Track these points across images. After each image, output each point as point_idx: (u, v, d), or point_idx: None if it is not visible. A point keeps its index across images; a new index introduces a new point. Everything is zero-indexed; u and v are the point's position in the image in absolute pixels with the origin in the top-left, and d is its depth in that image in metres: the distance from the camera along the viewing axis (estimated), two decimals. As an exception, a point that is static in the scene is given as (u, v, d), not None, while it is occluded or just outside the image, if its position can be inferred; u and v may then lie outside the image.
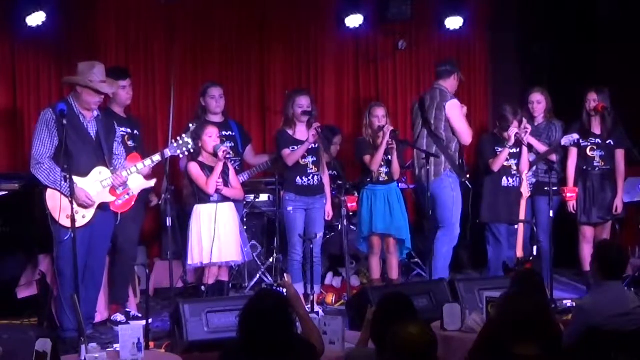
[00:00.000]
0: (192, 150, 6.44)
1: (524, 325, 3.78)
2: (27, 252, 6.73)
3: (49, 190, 5.91)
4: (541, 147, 7.45)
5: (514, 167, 7.29)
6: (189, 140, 6.35)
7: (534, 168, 7.54)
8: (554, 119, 7.70)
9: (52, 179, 5.88)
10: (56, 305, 6.19)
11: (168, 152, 6.32)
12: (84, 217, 5.99)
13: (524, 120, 7.34)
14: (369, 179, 7.20)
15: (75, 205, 5.83)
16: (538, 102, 7.64)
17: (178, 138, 6.39)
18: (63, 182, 5.84)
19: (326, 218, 7.23)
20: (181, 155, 6.50)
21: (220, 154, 6.59)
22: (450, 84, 7.67)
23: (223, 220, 6.66)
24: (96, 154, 6.10)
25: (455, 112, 7.48)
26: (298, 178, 7.06)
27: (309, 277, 7.02)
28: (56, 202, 5.89)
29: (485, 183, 7.40)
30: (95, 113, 6.14)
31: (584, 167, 7.44)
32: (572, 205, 7.37)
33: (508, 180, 7.31)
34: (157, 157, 6.27)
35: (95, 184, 6.05)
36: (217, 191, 6.66)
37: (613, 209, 7.43)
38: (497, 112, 7.57)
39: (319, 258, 7.19)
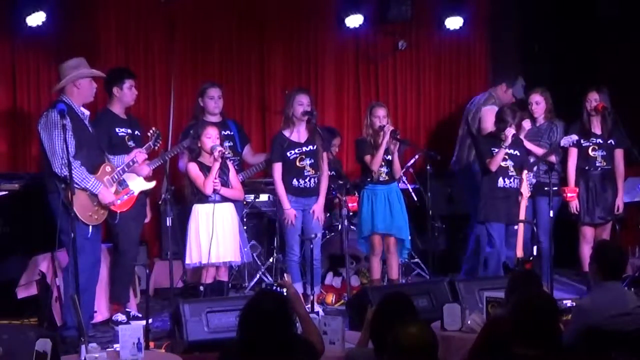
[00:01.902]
0: (160, 142, 6.58)
1: (535, 324, 3.78)
2: (27, 252, 6.73)
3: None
4: (538, 151, 7.45)
5: (511, 168, 7.27)
6: (159, 132, 6.58)
7: (535, 168, 7.54)
8: (556, 120, 7.70)
9: (80, 177, 5.95)
10: (60, 304, 6.22)
11: (151, 146, 6.49)
12: (103, 214, 6.16)
13: (527, 121, 7.33)
14: (369, 179, 7.20)
15: (96, 205, 6.06)
16: (537, 102, 7.65)
17: (151, 131, 6.54)
18: (93, 182, 6.00)
19: (314, 219, 7.14)
20: (155, 148, 6.55)
21: (215, 153, 6.59)
22: (500, 92, 8.18)
23: (221, 220, 6.66)
24: (99, 151, 6.19)
25: (486, 117, 7.97)
26: (294, 180, 7.05)
27: (308, 278, 7.03)
28: (82, 201, 5.96)
29: (482, 183, 7.39)
30: (88, 113, 6.21)
31: (586, 167, 7.44)
32: (574, 205, 7.37)
33: (504, 181, 7.28)
34: (142, 155, 6.41)
35: (108, 182, 6.16)
36: (215, 191, 6.65)
37: (615, 209, 7.43)
38: (496, 113, 7.57)
39: (318, 259, 7.18)
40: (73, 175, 5.84)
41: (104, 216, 6.20)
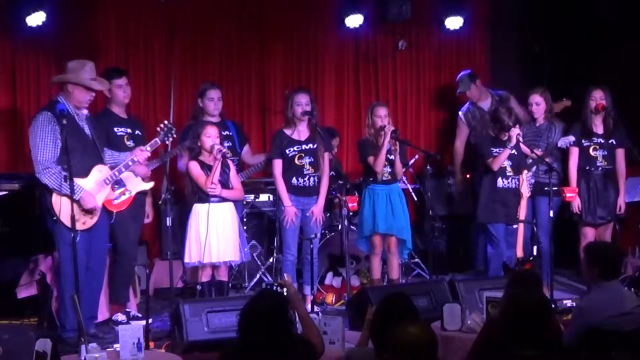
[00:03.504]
0: (175, 136, 6.53)
1: (525, 324, 3.78)
2: (27, 252, 6.73)
3: (55, 194, 5.92)
4: (533, 155, 7.46)
5: (509, 169, 7.28)
6: (171, 125, 6.46)
7: (534, 169, 7.55)
8: (555, 120, 7.71)
9: (59, 182, 5.90)
10: (57, 305, 6.20)
11: (158, 141, 6.40)
12: (91, 218, 6.05)
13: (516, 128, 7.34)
14: (371, 179, 7.19)
15: (82, 210, 5.94)
16: (537, 103, 7.66)
17: (162, 125, 6.46)
18: (74, 187, 5.89)
19: (312, 219, 7.11)
20: (167, 142, 6.53)
21: (215, 152, 6.59)
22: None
23: (220, 220, 6.66)
24: (93, 152, 6.15)
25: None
26: (294, 179, 7.05)
27: (305, 278, 7.04)
28: (65, 206, 5.90)
29: (482, 184, 7.40)
30: (86, 112, 6.17)
31: (587, 167, 7.44)
32: (576, 205, 7.36)
33: (503, 182, 7.29)
34: (148, 148, 6.34)
35: (98, 183, 6.09)
36: (214, 194, 6.63)
37: (616, 209, 7.43)
38: (492, 113, 7.60)
39: (316, 258, 7.17)
40: (50, 182, 5.89)
41: (93, 221, 6.08)
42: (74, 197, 5.86)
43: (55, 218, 5.90)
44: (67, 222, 5.86)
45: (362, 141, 7.36)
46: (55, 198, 5.93)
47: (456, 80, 8.67)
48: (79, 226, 5.92)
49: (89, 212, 6.02)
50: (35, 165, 5.96)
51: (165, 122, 6.51)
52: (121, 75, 6.81)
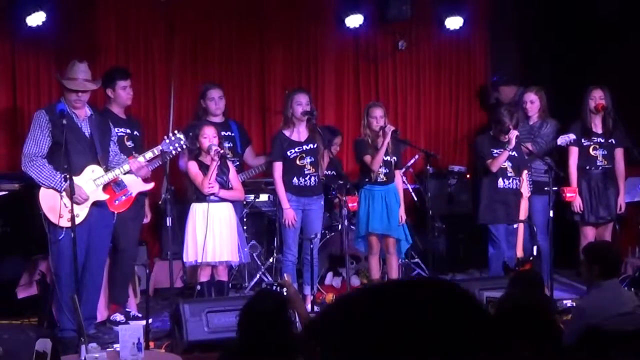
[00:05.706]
0: (185, 146, 6.48)
1: (525, 324, 3.78)
2: (27, 252, 6.73)
3: (42, 190, 5.95)
4: (533, 149, 7.47)
5: (509, 169, 7.28)
6: (181, 136, 6.42)
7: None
8: (549, 118, 7.71)
9: (45, 175, 5.93)
10: (55, 305, 6.20)
11: (161, 149, 6.37)
12: (77, 215, 5.99)
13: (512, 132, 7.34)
14: (367, 179, 7.20)
15: (68, 203, 5.88)
16: (531, 102, 7.68)
17: (170, 134, 6.44)
18: (58, 179, 5.89)
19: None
20: (174, 152, 6.50)
21: (212, 153, 6.59)
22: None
23: (218, 220, 6.66)
24: (89, 153, 6.13)
25: None
26: (295, 179, 7.05)
27: (305, 278, 7.04)
28: (50, 202, 5.92)
29: (482, 184, 7.40)
30: (89, 112, 6.17)
31: (587, 167, 7.44)
32: (577, 205, 7.36)
33: (504, 182, 7.30)
34: (149, 154, 6.30)
35: (88, 182, 6.08)
36: (213, 194, 6.62)
37: (617, 208, 7.43)
38: (493, 114, 7.60)
39: (316, 258, 7.18)
40: (34, 174, 5.91)
41: (79, 218, 6.01)
42: (60, 190, 5.88)
43: (41, 212, 5.91)
44: (52, 218, 5.91)
45: (358, 141, 7.35)
46: (42, 194, 5.94)
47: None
48: (65, 223, 5.88)
49: (76, 204, 5.96)
50: (22, 160, 6.02)
51: (176, 131, 6.47)
52: (127, 77, 6.81)
